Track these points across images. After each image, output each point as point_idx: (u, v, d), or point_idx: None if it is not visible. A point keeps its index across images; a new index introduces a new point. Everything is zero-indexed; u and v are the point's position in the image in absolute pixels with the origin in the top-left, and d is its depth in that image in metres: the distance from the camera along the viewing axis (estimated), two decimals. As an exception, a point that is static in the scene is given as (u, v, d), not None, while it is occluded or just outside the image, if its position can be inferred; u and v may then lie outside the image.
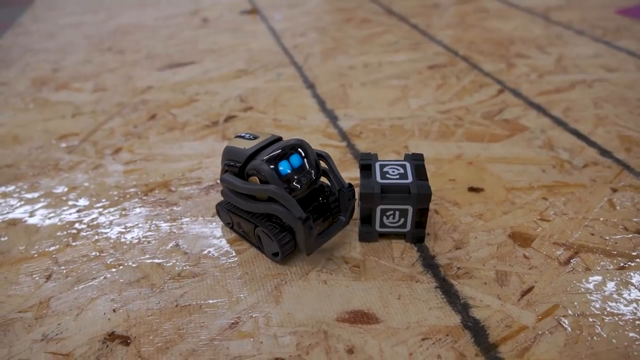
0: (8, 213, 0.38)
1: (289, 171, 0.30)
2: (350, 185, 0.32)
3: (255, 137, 0.33)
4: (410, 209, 0.31)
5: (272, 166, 0.29)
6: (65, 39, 0.81)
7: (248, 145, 0.32)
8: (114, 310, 0.29)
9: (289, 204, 0.29)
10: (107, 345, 0.27)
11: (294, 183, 0.30)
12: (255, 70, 0.64)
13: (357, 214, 0.35)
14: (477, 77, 0.44)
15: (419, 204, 0.31)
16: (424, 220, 0.32)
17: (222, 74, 0.64)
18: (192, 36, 0.79)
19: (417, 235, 0.33)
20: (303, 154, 0.31)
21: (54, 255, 0.34)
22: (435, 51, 0.67)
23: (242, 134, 0.34)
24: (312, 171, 0.31)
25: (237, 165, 0.32)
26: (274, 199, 0.30)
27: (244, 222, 0.33)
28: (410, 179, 0.32)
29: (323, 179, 0.33)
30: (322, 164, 0.34)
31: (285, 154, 0.30)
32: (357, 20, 0.82)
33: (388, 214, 0.32)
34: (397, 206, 0.31)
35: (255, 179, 0.30)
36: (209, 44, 0.75)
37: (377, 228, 0.33)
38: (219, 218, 0.36)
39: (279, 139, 0.33)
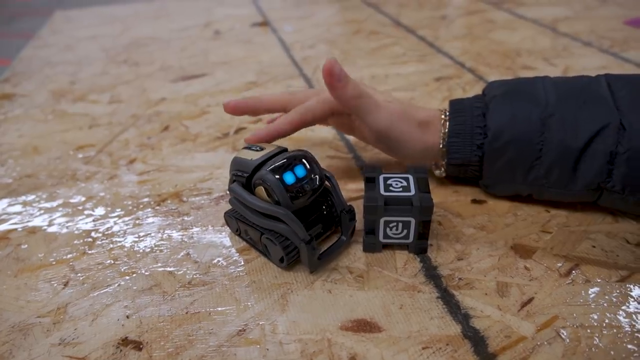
0: (28, 222, 0.40)
1: (294, 181, 0.31)
2: (350, 207, 0.34)
3: (262, 149, 0.34)
4: (412, 220, 0.32)
5: (277, 176, 0.31)
6: (82, 51, 0.83)
7: (255, 156, 0.33)
8: (127, 317, 0.31)
9: (294, 226, 0.31)
10: (121, 350, 0.28)
11: (298, 192, 0.31)
12: (265, 83, 0.65)
13: (361, 225, 0.36)
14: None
15: (421, 216, 0.32)
16: (426, 232, 0.33)
17: (233, 86, 0.65)
18: (204, 48, 0.81)
19: (419, 246, 0.34)
20: (307, 165, 0.32)
21: (71, 263, 0.35)
22: (442, 63, 0.68)
23: (249, 146, 0.35)
24: (316, 181, 0.32)
25: (244, 176, 0.33)
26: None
27: (251, 230, 0.34)
28: (412, 192, 0.33)
29: (327, 184, 0.35)
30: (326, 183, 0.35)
31: (289, 164, 0.32)
32: (366, 32, 0.83)
33: (391, 225, 0.33)
34: (399, 218, 0.32)
35: (262, 189, 0.32)
36: (220, 56, 0.77)
37: (381, 239, 0.34)
38: (228, 227, 0.38)
39: (285, 150, 0.34)
